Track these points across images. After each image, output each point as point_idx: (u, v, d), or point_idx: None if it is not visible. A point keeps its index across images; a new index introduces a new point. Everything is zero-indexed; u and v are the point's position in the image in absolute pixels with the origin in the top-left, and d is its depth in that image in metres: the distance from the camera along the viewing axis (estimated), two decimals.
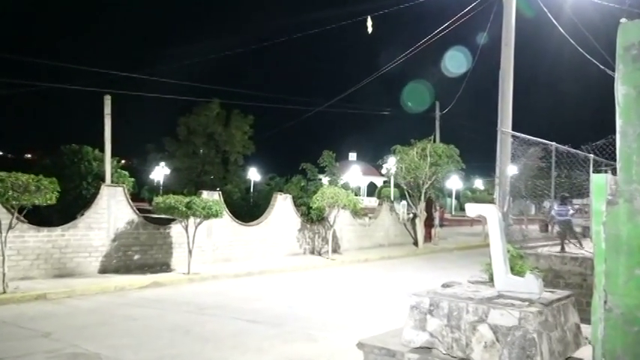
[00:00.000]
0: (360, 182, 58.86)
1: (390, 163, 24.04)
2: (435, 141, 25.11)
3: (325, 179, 24.29)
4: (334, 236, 19.89)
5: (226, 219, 16.12)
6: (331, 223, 18.93)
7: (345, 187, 22.32)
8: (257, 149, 35.44)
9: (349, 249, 20.99)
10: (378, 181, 66.53)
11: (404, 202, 26.58)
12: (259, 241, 17.39)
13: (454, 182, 46.30)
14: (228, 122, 34.15)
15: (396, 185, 32.56)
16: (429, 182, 22.20)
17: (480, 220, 31.98)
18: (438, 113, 27.33)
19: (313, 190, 20.86)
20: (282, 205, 18.44)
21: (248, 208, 23.59)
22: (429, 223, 25.37)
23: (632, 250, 3.79)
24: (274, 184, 24.94)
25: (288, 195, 19.00)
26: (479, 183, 62.48)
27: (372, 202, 62.58)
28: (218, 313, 9.72)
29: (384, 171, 25.91)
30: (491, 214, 6.20)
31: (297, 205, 19.74)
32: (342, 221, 20.48)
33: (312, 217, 19.87)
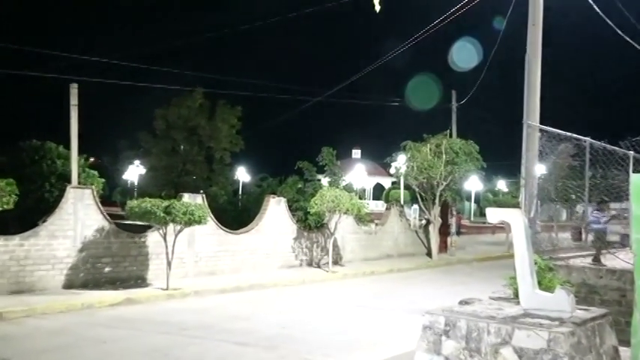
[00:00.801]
0: (365, 183, 58.94)
1: (400, 162, 24.05)
2: (451, 136, 25.09)
3: (325, 180, 24.26)
4: (335, 246, 19.90)
5: (211, 226, 16.12)
6: (332, 230, 18.95)
7: (348, 189, 22.30)
8: (246, 145, 35.39)
9: (353, 260, 21.02)
10: (386, 182, 66.58)
11: (415, 207, 26.58)
12: (249, 252, 17.40)
13: (473, 183, 46.17)
14: (213, 114, 34.13)
15: (407, 187, 32.52)
16: (445, 183, 22.24)
17: (503, 227, 32.10)
18: (454, 104, 27.31)
19: (311, 192, 20.83)
20: (276, 209, 18.46)
21: (236, 214, 23.58)
22: (444, 231, 25.38)
23: None
24: (266, 186, 24.94)
25: (282, 198, 19.02)
26: (502, 184, 62.57)
27: (379, 206, 62.61)
28: (201, 334, 9.71)
29: (392, 170, 25.85)
30: (515, 219, 6.21)
31: (292, 209, 19.73)
32: (344, 228, 20.50)
33: (309, 223, 19.85)
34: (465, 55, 27.88)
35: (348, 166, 51.01)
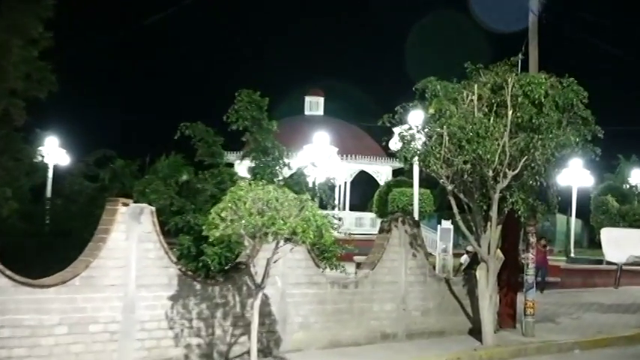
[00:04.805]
0: (333, 172, 58.94)
1: (413, 124, 24.14)
2: (525, 68, 25.22)
3: (242, 166, 24.20)
4: (267, 314, 20.07)
5: None
6: (259, 279, 18.90)
7: (295, 185, 22.29)
8: (64, 87, 35.07)
9: (306, 346, 21.23)
10: (381, 171, 66.98)
11: (447, 225, 26.80)
12: (69, 329, 17.26)
13: (576, 174, 46.79)
14: None
15: (428, 181, 32.68)
16: (513, 173, 22.44)
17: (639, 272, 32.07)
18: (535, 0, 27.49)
19: (211, 193, 20.77)
20: (131, 232, 18.34)
21: (40, 241, 23.35)
22: (510, 280, 25.76)
23: None
24: (109, 178, 24.74)
25: (145, 206, 18.90)
26: (637, 176, 63.76)
27: (366, 223, 62.71)
28: None
29: (394, 145, 25.90)
30: None
31: (169, 232, 19.74)
32: (287, 274, 20.68)
33: (207, 262, 19.79)
34: None
35: (296, 135, 51.08)
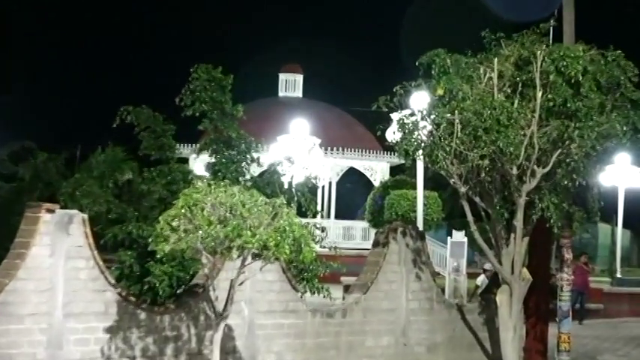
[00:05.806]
0: (316, 170, 58.85)
1: (416, 108, 24.09)
2: (558, 39, 25.20)
3: (198, 161, 24.13)
4: (230, 349, 20.11)
5: None
6: (220, 305, 18.81)
7: (267, 186, 22.25)
8: None
9: None
10: (376, 168, 67.08)
11: (459, 238, 26.72)
12: None
13: (623, 173, 46.91)
14: None
15: (434, 180, 32.71)
16: (544, 171, 22.38)
17: None
18: None
19: (159, 196, 20.71)
20: (57, 245, 18.25)
21: None
22: (540, 306, 25.65)
23: None
24: (29, 176, 24.67)
25: (75, 213, 18.83)
26: None
27: (356, 235, 62.81)
28: None
29: (392, 134, 25.85)
30: None
31: (104, 246, 19.60)
32: (257, 300, 20.71)
33: (154, 284, 19.73)
34: None
35: (268, 122, 51.11)
